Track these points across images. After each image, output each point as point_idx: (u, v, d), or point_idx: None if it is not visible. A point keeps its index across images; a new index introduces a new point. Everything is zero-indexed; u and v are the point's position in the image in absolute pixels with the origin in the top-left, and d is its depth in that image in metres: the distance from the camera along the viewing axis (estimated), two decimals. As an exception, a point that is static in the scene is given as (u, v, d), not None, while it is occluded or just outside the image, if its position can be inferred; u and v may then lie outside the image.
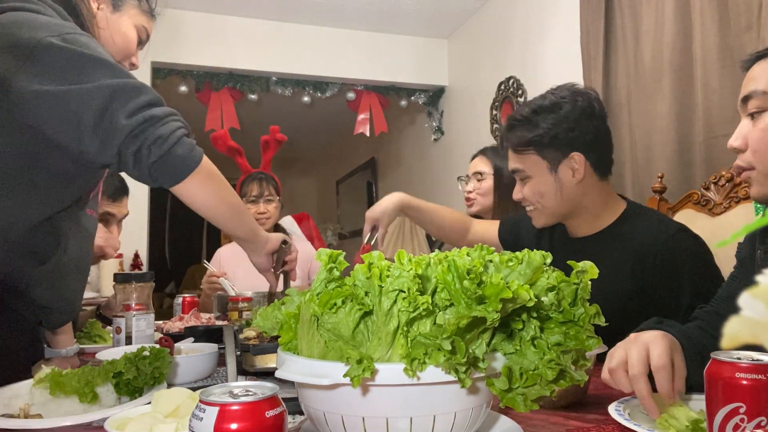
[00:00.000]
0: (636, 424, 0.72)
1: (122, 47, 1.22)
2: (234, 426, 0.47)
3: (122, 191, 2.02)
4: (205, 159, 1.06)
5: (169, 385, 0.96)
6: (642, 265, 1.20)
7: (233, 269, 2.44)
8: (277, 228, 2.57)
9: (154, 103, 1.00)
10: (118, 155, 0.98)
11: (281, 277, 1.44)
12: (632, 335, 0.84)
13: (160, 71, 3.83)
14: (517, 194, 1.35)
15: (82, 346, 1.50)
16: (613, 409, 0.78)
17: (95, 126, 0.95)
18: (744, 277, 0.97)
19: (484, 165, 2.10)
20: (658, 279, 1.18)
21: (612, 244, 1.26)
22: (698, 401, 0.82)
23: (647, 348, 0.78)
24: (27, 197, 1.03)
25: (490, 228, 1.63)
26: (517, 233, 1.55)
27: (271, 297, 1.48)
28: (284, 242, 1.35)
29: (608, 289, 1.20)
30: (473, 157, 2.19)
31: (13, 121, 0.98)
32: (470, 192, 2.11)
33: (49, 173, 1.04)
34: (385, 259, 0.60)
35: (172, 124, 1.00)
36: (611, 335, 0.99)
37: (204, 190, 1.07)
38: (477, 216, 2.15)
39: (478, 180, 2.10)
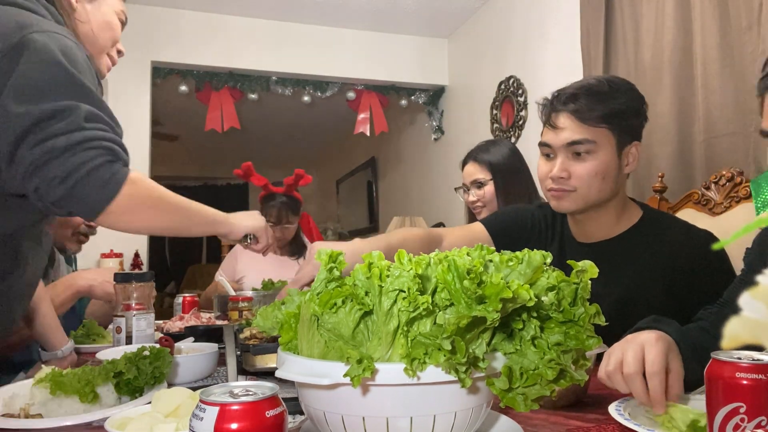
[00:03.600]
0: (636, 424, 0.72)
1: (108, 36, 1.18)
2: (234, 426, 0.47)
3: None
4: (129, 183, 0.95)
5: (170, 385, 0.96)
6: (673, 271, 1.18)
7: (249, 263, 2.52)
8: (296, 237, 2.63)
9: (73, 129, 0.90)
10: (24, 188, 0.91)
11: None
12: (629, 336, 0.84)
13: (160, 71, 3.83)
14: (561, 171, 1.20)
15: (82, 346, 1.50)
16: (613, 409, 0.78)
17: (9, 154, 0.89)
18: (752, 283, 0.97)
19: (479, 171, 2.03)
20: (689, 284, 1.17)
21: (635, 249, 1.23)
22: (695, 401, 0.82)
23: (643, 349, 0.79)
24: None
25: (464, 233, 1.41)
26: (511, 231, 1.42)
27: None
28: (248, 237, 1.29)
29: (635, 293, 1.19)
30: (463, 164, 2.10)
31: None
32: (475, 201, 2.04)
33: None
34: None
35: (80, 155, 0.90)
36: None
37: (129, 218, 0.97)
38: None
39: (478, 188, 2.02)
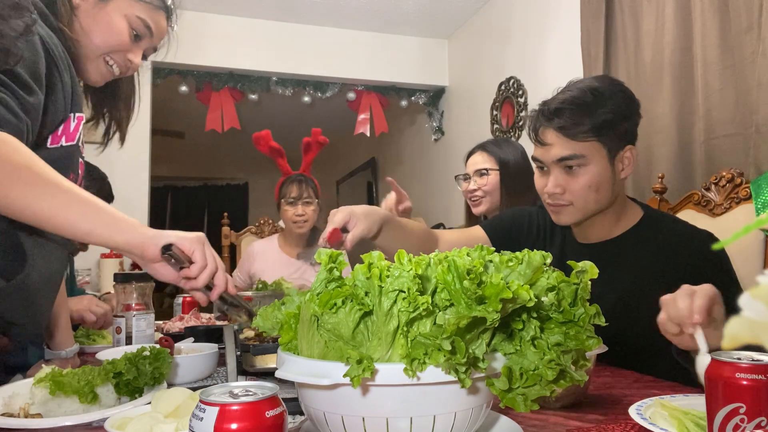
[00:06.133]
0: (659, 426, 0.71)
1: (103, 40, 1.07)
2: (234, 426, 0.47)
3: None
4: None
5: (169, 385, 0.96)
6: (674, 271, 1.16)
7: (266, 265, 2.52)
8: (314, 231, 2.57)
9: None
10: None
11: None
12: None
13: (160, 71, 3.83)
14: (554, 187, 1.20)
15: (82, 346, 1.49)
16: (634, 412, 0.76)
17: None
18: None
19: (485, 161, 2.01)
20: (690, 284, 1.17)
21: (635, 250, 1.22)
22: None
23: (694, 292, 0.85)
24: None
25: (461, 236, 1.43)
26: (510, 234, 1.42)
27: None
28: (167, 247, 0.89)
29: (636, 293, 1.18)
30: (470, 154, 2.08)
31: None
32: (474, 191, 2.01)
33: None
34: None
35: None
36: (639, 339, 0.97)
37: None
38: (484, 216, 2.08)
39: (482, 176, 2.00)
